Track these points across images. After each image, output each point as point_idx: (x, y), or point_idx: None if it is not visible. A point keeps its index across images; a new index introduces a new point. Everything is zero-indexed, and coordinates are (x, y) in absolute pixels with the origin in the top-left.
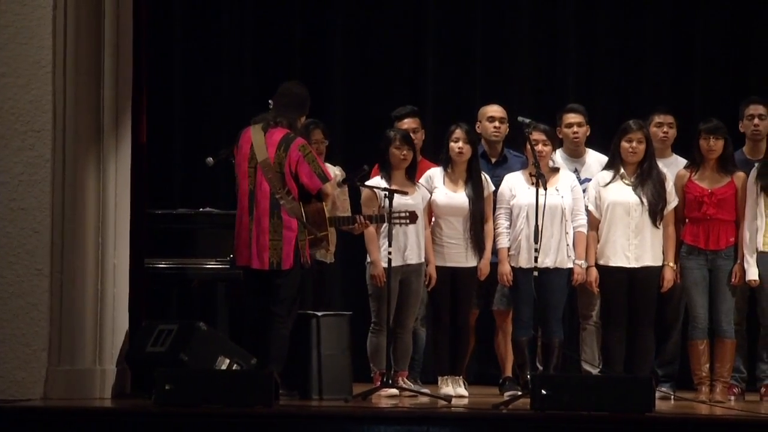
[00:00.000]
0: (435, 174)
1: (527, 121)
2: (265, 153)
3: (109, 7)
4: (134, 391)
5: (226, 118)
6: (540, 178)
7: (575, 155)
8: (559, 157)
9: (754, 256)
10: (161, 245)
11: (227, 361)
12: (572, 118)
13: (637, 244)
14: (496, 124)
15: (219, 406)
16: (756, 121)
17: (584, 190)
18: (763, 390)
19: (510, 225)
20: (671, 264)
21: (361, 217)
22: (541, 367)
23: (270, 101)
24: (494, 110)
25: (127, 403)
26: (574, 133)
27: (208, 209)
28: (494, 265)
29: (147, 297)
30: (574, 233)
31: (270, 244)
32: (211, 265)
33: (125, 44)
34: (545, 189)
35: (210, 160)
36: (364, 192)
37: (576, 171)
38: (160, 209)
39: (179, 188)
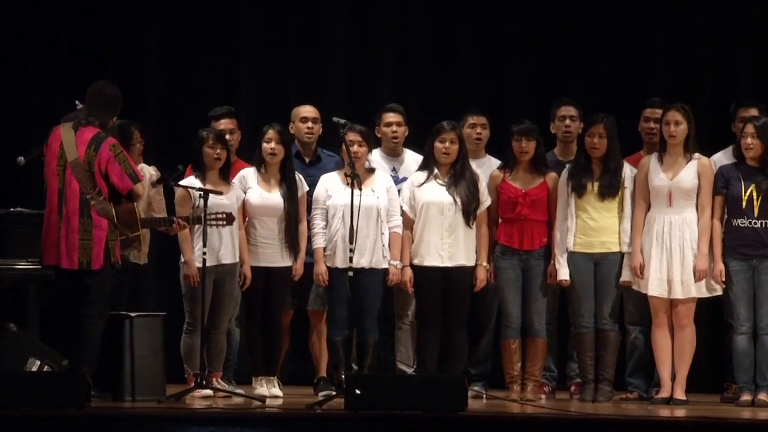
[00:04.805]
0: (248, 174)
1: (342, 121)
2: (75, 152)
3: None
4: None
5: (37, 117)
6: (355, 178)
7: (393, 154)
8: (377, 156)
9: (565, 255)
10: None
11: (38, 362)
12: (391, 117)
13: (450, 244)
14: (309, 124)
15: (29, 408)
16: (567, 122)
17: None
18: (573, 388)
19: (326, 225)
20: (484, 263)
21: (178, 219)
22: (355, 367)
23: (77, 101)
24: (307, 111)
25: None
26: (393, 132)
27: (18, 209)
28: (309, 265)
29: None
30: (389, 233)
31: (80, 244)
32: (22, 265)
33: None
34: (360, 190)
35: (21, 159)
36: (178, 192)
37: (394, 170)
38: None
39: None
